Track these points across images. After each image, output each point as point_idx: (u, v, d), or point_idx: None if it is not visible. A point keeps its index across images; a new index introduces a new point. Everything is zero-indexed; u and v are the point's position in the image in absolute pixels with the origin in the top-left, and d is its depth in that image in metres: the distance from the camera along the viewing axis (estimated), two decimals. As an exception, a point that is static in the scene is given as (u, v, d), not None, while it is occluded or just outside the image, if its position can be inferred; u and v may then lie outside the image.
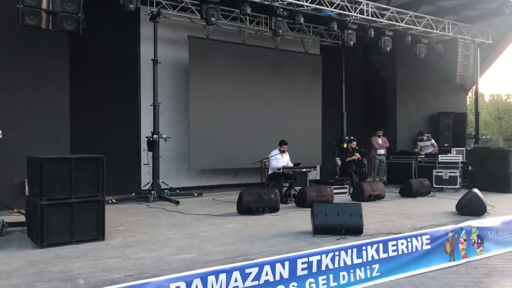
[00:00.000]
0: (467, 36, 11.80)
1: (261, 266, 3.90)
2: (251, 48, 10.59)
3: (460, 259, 5.20)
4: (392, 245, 4.82)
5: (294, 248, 4.69)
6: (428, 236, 5.08)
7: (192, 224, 6.14)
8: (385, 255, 4.70)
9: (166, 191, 8.59)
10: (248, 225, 6.01)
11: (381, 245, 4.73)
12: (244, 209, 6.84)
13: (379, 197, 8.52)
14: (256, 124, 10.58)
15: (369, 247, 4.65)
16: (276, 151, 8.82)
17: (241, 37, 10.43)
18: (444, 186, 9.78)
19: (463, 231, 5.38)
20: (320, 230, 5.33)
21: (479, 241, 5.58)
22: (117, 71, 9.29)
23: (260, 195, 6.98)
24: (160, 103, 8.83)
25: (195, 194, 9.21)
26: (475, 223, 5.57)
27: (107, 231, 5.27)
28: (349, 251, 4.49)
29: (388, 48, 10.38)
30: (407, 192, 8.99)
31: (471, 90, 14.68)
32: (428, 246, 5.03)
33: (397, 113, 12.71)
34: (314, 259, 4.23)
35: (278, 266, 3.97)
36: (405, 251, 4.88)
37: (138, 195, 8.52)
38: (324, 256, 4.31)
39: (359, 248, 4.57)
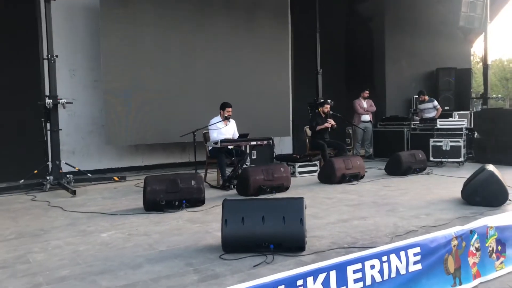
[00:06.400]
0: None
1: None
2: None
3: (471, 281, 3.05)
4: (355, 271, 2.59)
5: (166, 290, 2.51)
6: (417, 249, 2.87)
7: (52, 232, 3.92)
8: (341, 290, 2.51)
9: (69, 176, 6.39)
10: (134, 234, 3.79)
11: (333, 273, 2.50)
12: (149, 203, 4.65)
13: (356, 177, 6.40)
14: (201, 84, 8.13)
15: (309, 279, 2.42)
16: (218, 118, 6.54)
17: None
18: (444, 159, 7.82)
19: (475, 236, 3.21)
20: (232, 246, 3.15)
21: (499, 248, 3.42)
22: (5, 12, 6.88)
23: (173, 182, 4.73)
24: (57, 56, 6.49)
25: (116, 179, 6.98)
26: (492, 220, 3.35)
27: None
28: (271, 292, 2.28)
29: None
30: (395, 168, 6.93)
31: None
32: (418, 266, 2.84)
33: (386, 71, 10.82)
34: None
35: None
36: (378, 279, 2.68)
37: (31, 183, 6.31)
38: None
39: (291, 283, 2.37)
